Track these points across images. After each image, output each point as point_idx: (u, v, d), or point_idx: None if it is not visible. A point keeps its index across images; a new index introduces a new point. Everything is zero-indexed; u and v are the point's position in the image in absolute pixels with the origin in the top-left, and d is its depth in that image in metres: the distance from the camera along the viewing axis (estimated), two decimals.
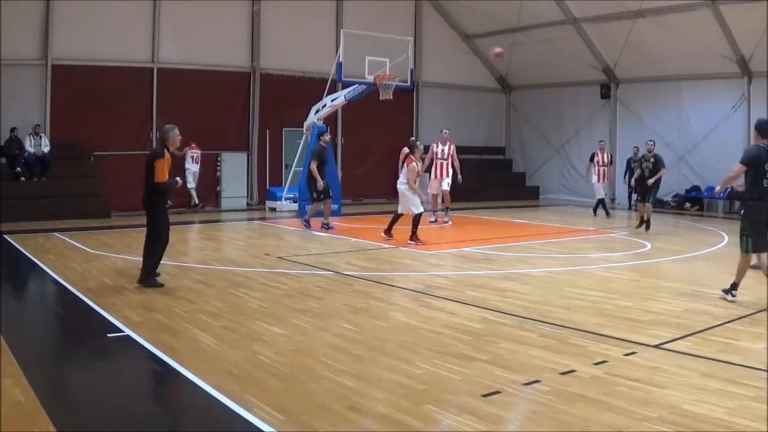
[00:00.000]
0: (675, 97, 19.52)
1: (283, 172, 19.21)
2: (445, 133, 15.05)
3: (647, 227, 13.88)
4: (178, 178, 8.40)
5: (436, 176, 14.79)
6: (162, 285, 7.96)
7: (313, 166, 13.30)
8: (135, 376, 5.16)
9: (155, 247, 8.05)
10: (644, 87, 20.38)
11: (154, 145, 17.35)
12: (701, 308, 7.11)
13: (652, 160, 14.26)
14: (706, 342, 5.82)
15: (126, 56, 16.94)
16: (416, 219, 11.71)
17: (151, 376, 5.18)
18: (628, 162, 18.99)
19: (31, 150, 15.20)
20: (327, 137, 14.04)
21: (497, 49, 16.05)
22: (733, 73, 18.04)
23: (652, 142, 14.78)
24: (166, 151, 7.93)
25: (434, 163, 14.80)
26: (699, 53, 17.81)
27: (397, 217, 12.13)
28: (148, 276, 8.00)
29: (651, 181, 14.02)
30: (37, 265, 9.53)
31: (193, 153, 17.71)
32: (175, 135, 8.11)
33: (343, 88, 16.57)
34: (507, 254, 10.86)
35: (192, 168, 17.71)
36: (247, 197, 19.02)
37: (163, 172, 7.82)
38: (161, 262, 8.25)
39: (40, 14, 15.79)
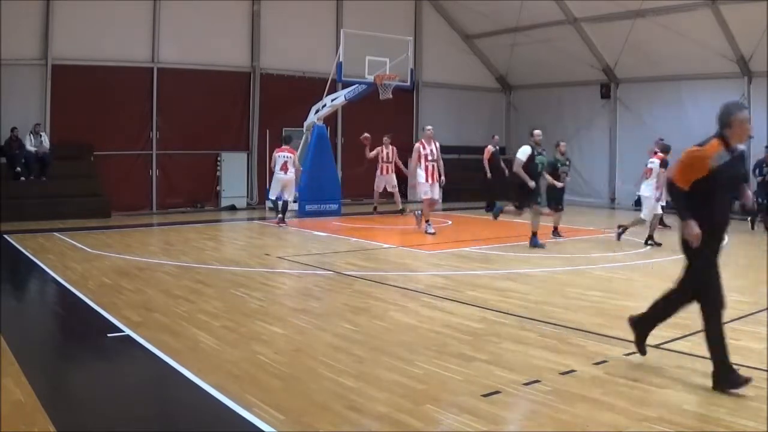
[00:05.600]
0: (675, 97, 19.47)
1: None
2: (428, 130, 13.20)
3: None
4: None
5: (428, 180, 12.96)
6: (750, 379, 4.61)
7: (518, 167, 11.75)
8: (135, 376, 5.16)
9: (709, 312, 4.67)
10: (644, 87, 20.34)
11: (154, 145, 17.56)
12: None
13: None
14: None
15: (126, 56, 16.92)
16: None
17: (151, 376, 5.17)
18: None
19: (31, 149, 15.19)
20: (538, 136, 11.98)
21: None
22: (733, 73, 18.02)
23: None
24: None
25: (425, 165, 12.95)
26: (699, 53, 17.79)
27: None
28: (730, 375, 4.55)
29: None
30: (37, 265, 9.52)
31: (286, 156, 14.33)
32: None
33: (343, 88, 16.59)
34: (507, 254, 10.85)
35: (279, 175, 14.32)
36: (247, 197, 19.02)
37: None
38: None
39: (40, 14, 15.78)
